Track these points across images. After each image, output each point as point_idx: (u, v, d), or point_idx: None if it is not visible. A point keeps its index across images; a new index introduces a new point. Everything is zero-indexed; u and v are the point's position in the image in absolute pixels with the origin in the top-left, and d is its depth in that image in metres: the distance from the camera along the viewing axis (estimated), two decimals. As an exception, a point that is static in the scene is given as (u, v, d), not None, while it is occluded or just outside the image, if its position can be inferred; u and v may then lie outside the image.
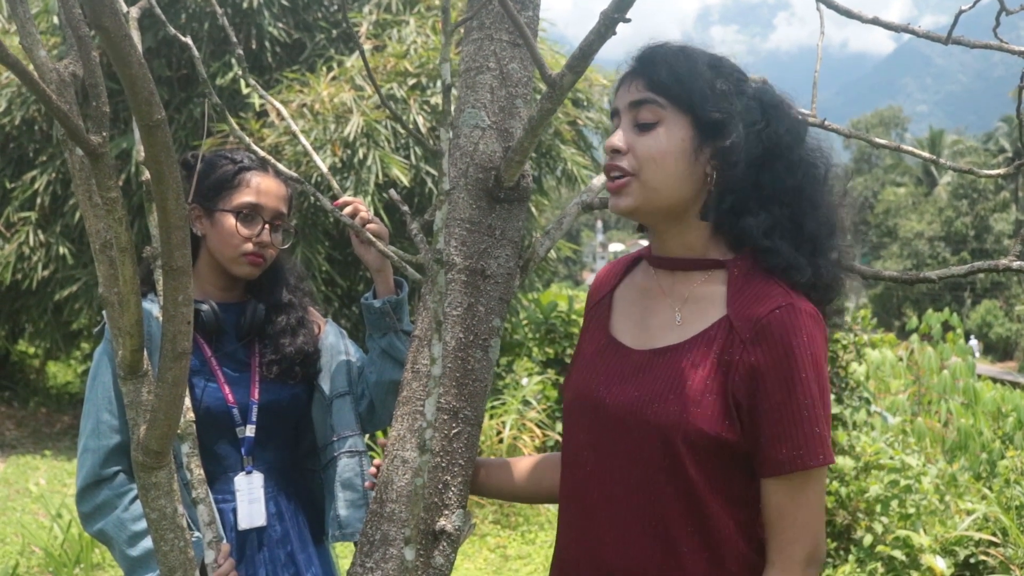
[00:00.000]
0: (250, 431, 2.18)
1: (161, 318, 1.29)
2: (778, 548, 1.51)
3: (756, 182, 1.56)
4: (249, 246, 2.16)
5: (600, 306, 1.77)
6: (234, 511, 2.15)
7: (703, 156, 1.55)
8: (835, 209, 1.63)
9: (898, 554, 5.12)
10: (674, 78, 1.54)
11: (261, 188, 2.18)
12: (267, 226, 2.18)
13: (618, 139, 1.58)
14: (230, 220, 2.15)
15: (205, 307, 2.15)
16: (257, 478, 2.19)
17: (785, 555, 1.50)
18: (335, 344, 2.32)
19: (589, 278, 52.31)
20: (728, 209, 1.57)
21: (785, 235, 1.56)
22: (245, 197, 2.16)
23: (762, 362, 1.47)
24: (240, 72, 8.35)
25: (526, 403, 7.77)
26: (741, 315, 1.51)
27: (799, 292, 1.54)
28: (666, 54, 1.58)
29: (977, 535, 5.15)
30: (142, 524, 1.97)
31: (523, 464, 1.92)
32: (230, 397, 2.16)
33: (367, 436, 2.31)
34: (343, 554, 5.26)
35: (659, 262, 1.67)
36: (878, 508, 5.37)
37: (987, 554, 5.07)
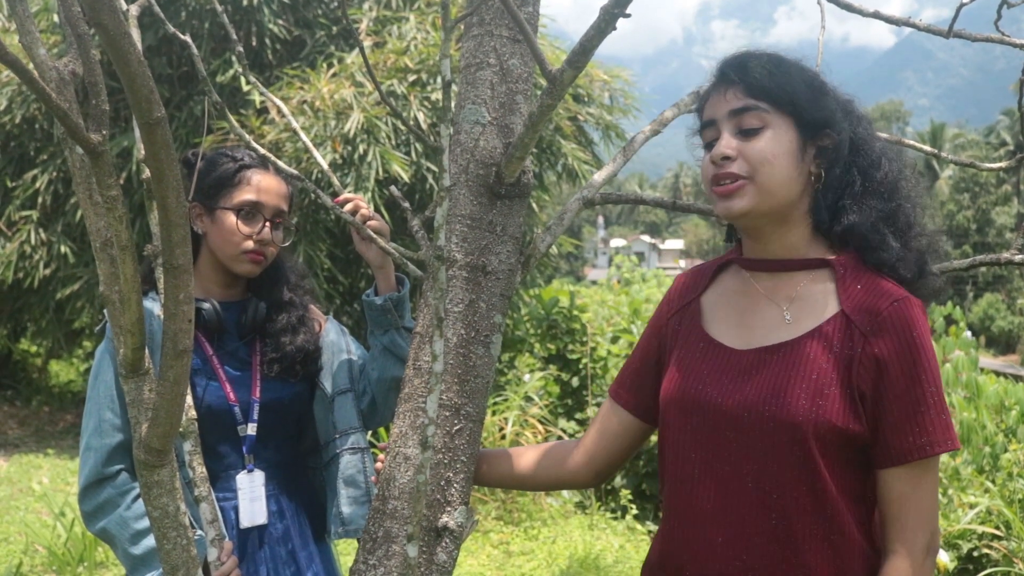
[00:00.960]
0: (251, 429, 2.17)
1: (162, 316, 1.29)
2: (900, 537, 1.52)
3: (848, 178, 1.61)
4: (250, 244, 2.15)
5: (687, 311, 1.78)
6: (235, 509, 2.15)
7: (807, 157, 1.60)
8: (915, 193, 1.67)
9: (901, 548, 5.11)
10: (774, 82, 1.58)
11: (262, 186, 2.18)
12: (268, 224, 2.18)
13: (726, 146, 1.60)
14: (231, 218, 2.14)
15: (207, 305, 2.15)
16: (258, 476, 2.18)
17: (909, 542, 1.51)
18: (336, 342, 2.32)
19: (591, 273, 52.40)
20: (826, 207, 1.61)
21: (889, 228, 1.60)
22: (246, 195, 2.16)
23: (886, 353, 1.50)
24: (240, 69, 8.35)
25: (528, 399, 7.78)
26: (858, 309, 1.54)
27: (907, 284, 1.59)
28: (759, 60, 1.61)
29: (980, 528, 5.15)
30: (144, 522, 1.97)
31: (525, 453, 1.94)
32: (231, 396, 2.16)
33: (368, 433, 2.31)
34: (345, 551, 5.27)
35: (758, 264, 1.69)
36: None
37: (990, 547, 5.07)
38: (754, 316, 1.66)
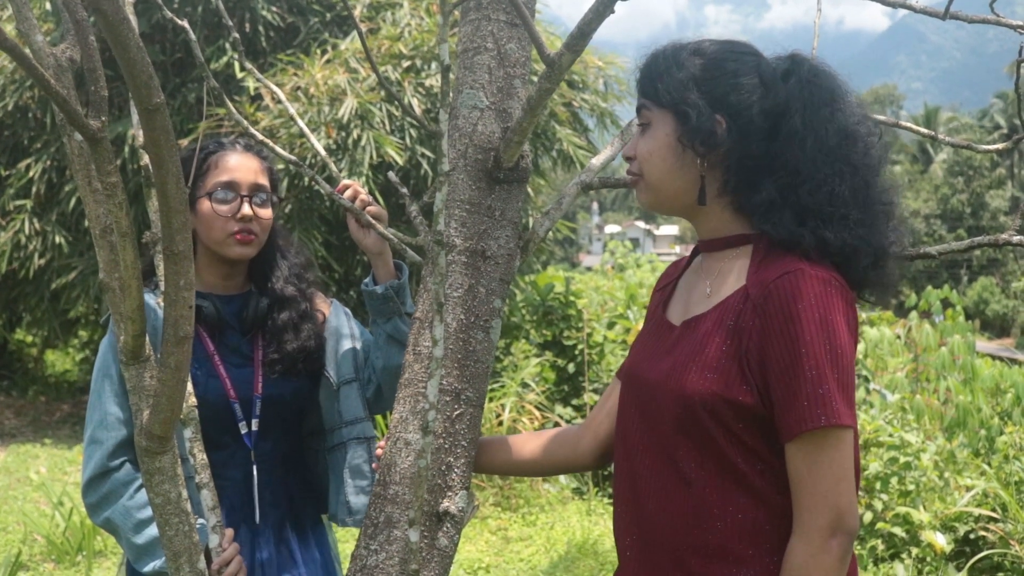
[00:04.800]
0: (253, 424, 2.17)
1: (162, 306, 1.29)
2: (798, 516, 1.49)
3: (767, 152, 1.59)
4: (233, 225, 2.13)
5: (664, 291, 1.83)
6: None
7: (691, 146, 1.60)
8: (861, 171, 1.59)
9: (898, 531, 5.14)
10: (649, 78, 1.65)
11: (230, 165, 2.15)
12: (246, 200, 2.15)
13: (628, 146, 1.71)
14: (206, 203, 2.13)
15: (206, 304, 2.14)
16: (259, 467, 2.19)
17: (803, 522, 1.48)
18: (339, 327, 2.30)
19: (585, 260, 52.43)
20: (735, 187, 1.61)
21: (787, 206, 1.56)
22: (217, 177, 2.14)
23: (767, 326, 1.49)
24: (236, 56, 8.33)
25: (525, 386, 7.78)
26: (756, 283, 1.54)
27: (817, 260, 1.53)
28: (652, 56, 1.68)
29: (976, 511, 5.17)
30: (147, 512, 1.97)
31: (523, 440, 1.96)
32: (231, 393, 2.15)
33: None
34: (344, 539, 5.28)
35: (700, 244, 1.75)
36: (878, 485, 5.40)
37: (987, 529, 5.10)
38: (692, 292, 1.72)
